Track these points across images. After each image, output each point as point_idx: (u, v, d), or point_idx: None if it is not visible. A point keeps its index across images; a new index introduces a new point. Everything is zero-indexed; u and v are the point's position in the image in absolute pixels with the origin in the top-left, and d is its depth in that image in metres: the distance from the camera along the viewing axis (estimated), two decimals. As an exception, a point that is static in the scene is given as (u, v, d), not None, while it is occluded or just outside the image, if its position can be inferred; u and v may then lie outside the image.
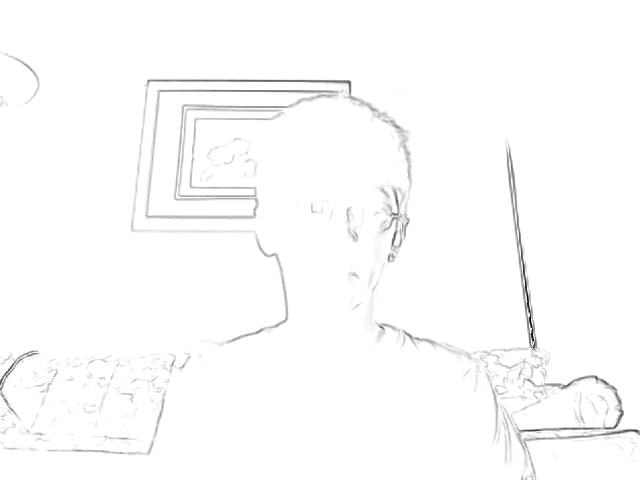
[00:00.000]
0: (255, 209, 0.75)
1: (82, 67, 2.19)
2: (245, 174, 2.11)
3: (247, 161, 2.13)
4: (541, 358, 1.72)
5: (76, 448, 1.34)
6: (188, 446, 0.66)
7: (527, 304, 1.96)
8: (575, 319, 1.83)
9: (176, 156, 2.14)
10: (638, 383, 1.57)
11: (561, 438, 1.28)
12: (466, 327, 1.80)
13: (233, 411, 0.67)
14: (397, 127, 0.73)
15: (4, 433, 1.46)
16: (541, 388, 1.63)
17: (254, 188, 0.77)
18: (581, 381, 1.55)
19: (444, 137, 2.13)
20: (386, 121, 0.72)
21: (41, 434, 1.47)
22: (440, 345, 0.74)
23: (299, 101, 0.73)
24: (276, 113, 0.74)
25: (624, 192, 1.98)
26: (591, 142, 2.05)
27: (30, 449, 1.31)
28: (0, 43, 1.96)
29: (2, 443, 1.36)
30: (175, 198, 2.09)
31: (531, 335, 1.91)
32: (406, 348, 0.72)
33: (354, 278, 0.65)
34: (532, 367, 1.68)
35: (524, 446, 0.70)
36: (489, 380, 0.72)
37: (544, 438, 1.28)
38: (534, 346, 1.88)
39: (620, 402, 1.49)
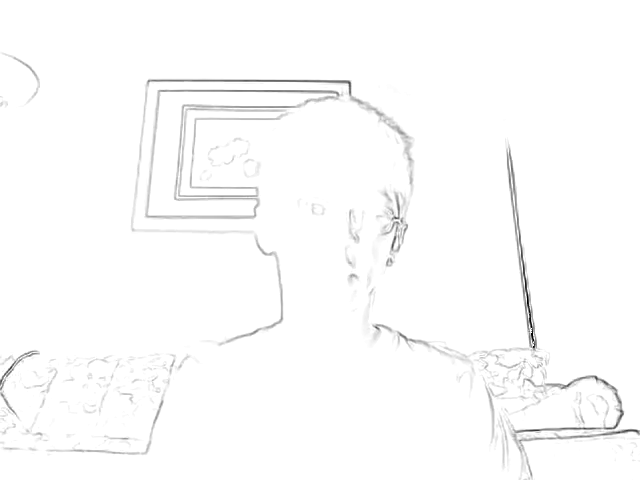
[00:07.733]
0: (256, 207, 0.75)
1: (82, 67, 2.19)
2: (245, 174, 2.11)
3: (247, 161, 2.12)
4: (541, 358, 1.72)
5: (76, 448, 1.33)
6: (184, 447, 0.66)
7: (527, 304, 1.95)
8: (575, 319, 1.83)
9: (176, 156, 2.13)
10: (638, 383, 1.57)
11: (561, 438, 1.28)
12: (466, 327, 1.80)
13: (229, 412, 0.67)
14: (402, 133, 0.73)
15: (4, 433, 1.46)
16: (541, 388, 1.63)
17: (256, 188, 0.77)
18: (581, 381, 1.55)
19: (444, 137, 2.13)
20: (392, 126, 0.72)
21: (41, 434, 1.47)
22: (435, 347, 0.74)
23: (306, 101, 0.73)
24: (282, 112, 0.74)
25: (624, 192, 1.98)
26: (591, 141, 2.05)
27: (30, 449, 1.31)
28: (0, 43, 1.96)
29: (2, 443, 1.36)
30: (175, 198, 2.09)
31: (531, 335, 1.91)
32: (401, 350, 0.72)
33: (354, 279, 0.65)
34: (532, 367, 1.68)
35: (521, 449, 0.70)
36: (484, 382, 0.71)
37: (544, 438, 1.28)
38: (534, 346, 1.88)
39: (620, 402, 1.49)
